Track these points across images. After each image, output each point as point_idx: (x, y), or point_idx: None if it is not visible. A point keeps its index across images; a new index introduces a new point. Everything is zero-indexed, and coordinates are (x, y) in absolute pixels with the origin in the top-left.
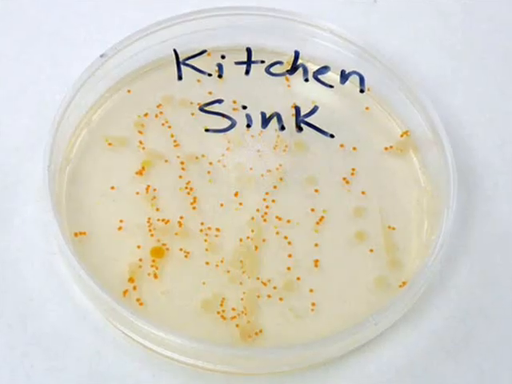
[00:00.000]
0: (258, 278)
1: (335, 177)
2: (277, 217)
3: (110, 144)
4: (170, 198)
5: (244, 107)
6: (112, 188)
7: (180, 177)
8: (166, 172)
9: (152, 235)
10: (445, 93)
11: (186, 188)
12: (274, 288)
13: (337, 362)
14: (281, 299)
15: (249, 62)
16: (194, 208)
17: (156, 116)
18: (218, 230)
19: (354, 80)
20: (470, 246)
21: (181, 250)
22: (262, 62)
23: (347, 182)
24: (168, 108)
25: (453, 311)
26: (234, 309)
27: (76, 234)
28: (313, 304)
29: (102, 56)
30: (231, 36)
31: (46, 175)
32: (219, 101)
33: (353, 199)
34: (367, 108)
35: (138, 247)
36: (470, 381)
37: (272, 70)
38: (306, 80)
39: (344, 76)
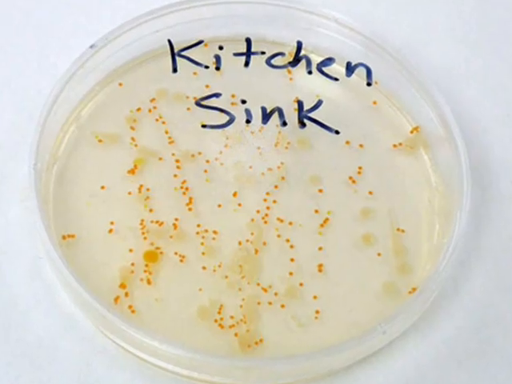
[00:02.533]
0: (258, 284)
1: (340, 176)
2: (278, 218)
3: (100, 141)
4: (164, 199)
5: (243, 101)
6: (102, 188)
7: (175, 176)
8: (160, 171)
9: (145, 238)
10: (457, 85)
11: (182, 188)
12: (276, 294)
13: (342, 373)
14: (282, 306)
15: (248, 54)
16: (189, 209)
17: (149, 111)
18: (215, 232)
19: (360, 72)
20: (484, 250)
21: (176, 253)
22: (263, 53)
23: (353, 182)
24: (162, 102)
25: (466, 319)
26: (232, 317)
27: (64, 237)
28: (317, 311)
29: (91, 47)
30: (230, 25)
31: (32, 174)
32: (217, 95)
33: (359, 200)
34: (374, 102)
35: (130, 251)
36: None
37: (273, 61)
38: (310, 72)
39: (350, 68)
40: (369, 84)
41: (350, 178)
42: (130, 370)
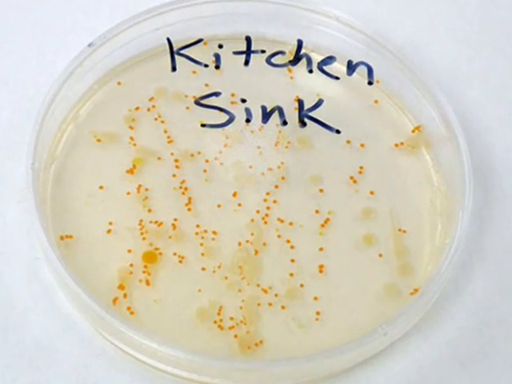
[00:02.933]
0: (258, 285)
1: (341, 176)
2: (278, 219)
3: (98, 140)
4: (163, 199)
5: (243, 100)
6: (101, 188)
7: (174, 176)
8: (159, 170)
9: (144, 239)
10: (460, 85)
11: (181, 188)
12: (276, 295)
13: (343, 375)
14: (283, 307)
15: (248, 52)
16: (189, 209)
17: (148, 110)
18: (215, 233)
19: (361, 71)
20: (486, 251)
21: (175, 254)
22: (263, 51)
23: (354, 182)
24: (161, 101)
25: (468, 321)
26: (232, 318)
27: (62, 238)
28: (317, 313)
29: (90, 45)
30: (229, 24)
31: (30, 174)
32: (216, 93)
33: (360, 200)
34: (376, 101)
35: (129, 252)
36: None
37: (273, 60)
38: (310, 71)
39: (351, 67)
40: (370, 83)
41: (351, 177)
42: (129, 372)
